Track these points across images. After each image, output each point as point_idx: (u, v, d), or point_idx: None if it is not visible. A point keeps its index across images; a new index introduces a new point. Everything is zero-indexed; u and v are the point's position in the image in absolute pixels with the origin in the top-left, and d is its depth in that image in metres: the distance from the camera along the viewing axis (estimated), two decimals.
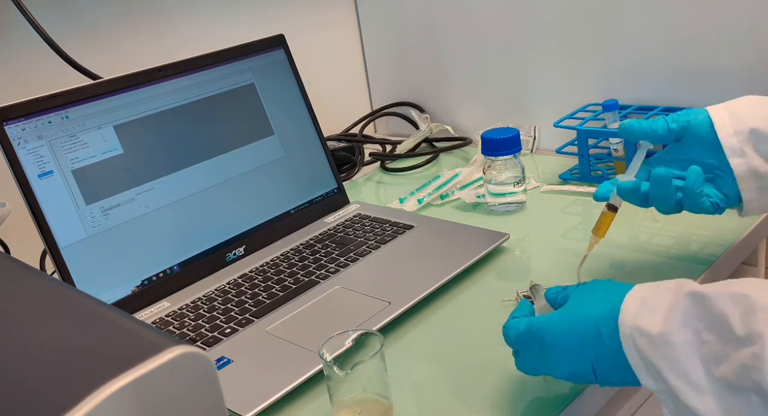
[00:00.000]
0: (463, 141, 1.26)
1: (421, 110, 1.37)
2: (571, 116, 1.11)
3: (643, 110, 1.07)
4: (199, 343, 0.75)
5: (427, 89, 1.37)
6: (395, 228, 0.94)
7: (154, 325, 0.79)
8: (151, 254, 0.84)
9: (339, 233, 0.95)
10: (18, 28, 0.97)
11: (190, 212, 0.88)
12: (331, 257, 0.89)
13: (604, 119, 1.06)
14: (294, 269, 0.87)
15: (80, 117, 0.81)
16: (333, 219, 1.00)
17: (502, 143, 0.96)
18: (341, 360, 0.62)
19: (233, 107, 0.95)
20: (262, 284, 0.84)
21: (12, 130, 0.77)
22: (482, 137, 0.97)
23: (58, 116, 0.80)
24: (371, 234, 0.93)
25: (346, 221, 0.99)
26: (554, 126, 1.08)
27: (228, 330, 0.76)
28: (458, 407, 0.63)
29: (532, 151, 1.22)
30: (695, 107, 1.02)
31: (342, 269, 0.85)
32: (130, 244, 0.83)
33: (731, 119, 0.67)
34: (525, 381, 0.64)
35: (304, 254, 0.91)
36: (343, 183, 1.07)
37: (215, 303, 0.82)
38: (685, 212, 0.69)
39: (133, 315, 0.79)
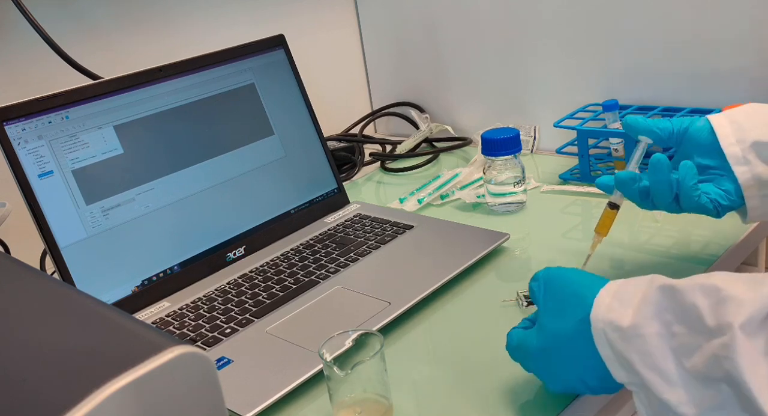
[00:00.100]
0: (463, 141, 1.26)
1: (421, 110, 1.37)
2: (571, 116, 1.11)
3: (643, 110, 1.07)
4: (199, 343, 0.75)
5: (427, 89, 1.37)
6: (395, 228, 0.94)
7: (154, 325, 0.79)
8: (151, 254, 0.84)
9: (339, 233, 0.95)
10: (18, 28, 0.97)
11: (190, 212, 0.88)
12: (331, 257, 0.89)
13: (604, 119, 1.06)
14: (294, 269, 0.87)
15: (80, 117, 0.81)
16: (333, 219, 1.00)
17: (502, 143, 0.96)
18: (341, 360, 0.62)
19: (233, 107, 0.95)
20: (262, 285, 0.84)
21: (12, 130, 0.77)
22: (482, 137, 0.97)
23: (58, 116, 0.80)
24: (371, 234, 0.93)
25: (346, 221, 0.99)
26: (554, 126, 1.08)
27: (228, 330, 0.76)
28: (458, 407, 0.63)
29: (532, 151, 1.22)
30: (695, 107, 1.04)
31: (342, 269, 0.85)
32: (130, 244, 0.83)
33: (733, 128, 0.67)
34: (525, 381, 0.64)
35: (304, 254, 0.91)
36: (343, 183, 1.07)
37: (215, 303, 0.82)
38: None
39: (133, 314, 0.79)
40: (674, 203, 0.68)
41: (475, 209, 1.02)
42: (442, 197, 1.06)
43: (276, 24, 1.26)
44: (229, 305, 0.81)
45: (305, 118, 1.02)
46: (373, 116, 1.43)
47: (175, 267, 0.86)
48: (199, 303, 0.82)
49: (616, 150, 1.04)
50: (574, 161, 1.09)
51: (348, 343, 0.63)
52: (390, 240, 0.91)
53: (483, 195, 1.02)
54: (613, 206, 0.74)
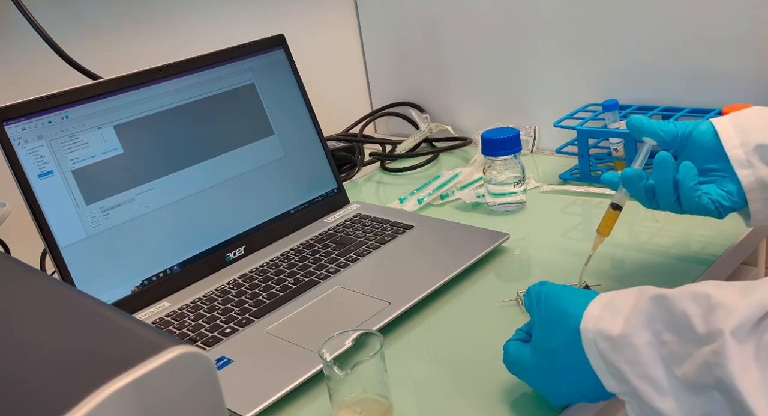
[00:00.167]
0: (463, 141, 1.26)
1: (421, 110, 1.37)
2: (571, 116, 1.11)
3: (643, 110, 1.07)
4: (199, 343, 0.75)
5: (427, 89, 1.37)
6: (395, 228, 0.94)
7: (154, 325, 0.79)
8: (151, 254, 0.84)
9: (339, 233, 0.95)
10: (18, 28, 0.97)
11: (190, 212, 0.88)
12: (331, 257, 0.89)
13: (604, 119, 1.06)
14: (294, 269, 0.87)
15: (80, 117, 0.81)
16: (333, 219, 1.00)
17: (502, 143, 0.96)
18: (341, 360, 0.62)
19: (233, 107, 0.95)
20: (262, 284, 0.84)
21: (12, 130, 0.77)
22: (482, 137, 0.97)
23: (58, 116, 0.80)
24: (371, 234, 0.93)
25: (346, 221, 0.99)
26: (554, 126, 1.08)
27: (228, 330, 0.76)
28: (458, 407, 0.63)
29: (532, 151, 1.22)
30: (695, 107, 1.04)
31: (342, 269, 0.85)
32: (130, 244, 0.83)
33: (736, 131, 0.67)
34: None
35: (304, 254, 0.91)
36: (343, 183, 1.07)
37: (215, 303, 0.82)
38: None
39: (133, 314, 0.79)
40: (676, 203, 0.68)
41: (475, 209, 1.02)
42: (442, 197, 1.06)
43: (276, 24, 1.26)
44: (229, 305, 0.81)
45: (305, 118, 1.02)
46: (373, 116, 1.43)
47: (175, 267, 0.86)
48: (199, 303, 0.82)
49: (616, 150, 1.04)
50: (574, 161, 1.09)
51: (348, 343, 0.63)
52: (390, 240, 0.91)
53: (483, 195, 1.02)
54: (616, 207, 0.73)
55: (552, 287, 0.59)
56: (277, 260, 0.90)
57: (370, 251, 0.89)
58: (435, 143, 1.31)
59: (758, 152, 0.66)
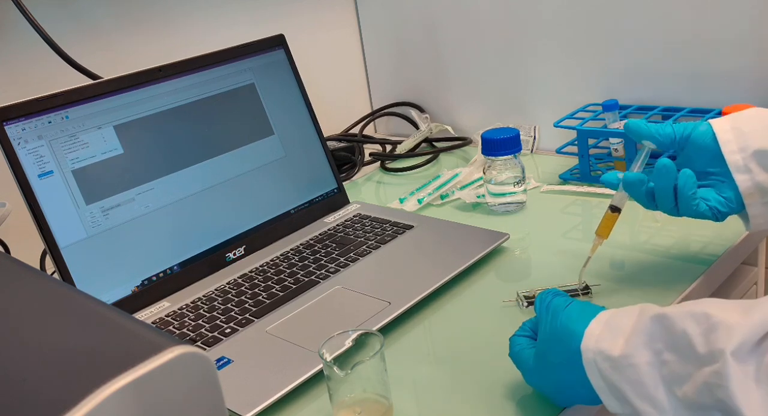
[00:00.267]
0: (463, 141, 1.26)
1: (421, 110, 1.37)
2: (571, 116, 1.11)
3: (643, 110, 1.07)
4: (199, 343, 0.75)
5: (427, 89, 1.37)
6: (395, 228, 0.94)
7: (154, 325, 0.79)
8: (151, 254, 0.84)
9: (339, 233, 0.95)
10: (18, 28, 0.97)
11: (190, 212, 0.88)
12: (331, 257, 0.89)
13: (604, 119, 1.06)
14: (294, 269, 0.87)
15: (80, 117, 0.81)
16: (333, 219, 1.00)
17: (502, 143, 0.96)
18: (341, 360, 0.62)
19: (233, 107, 0.95)
20: (262, 284, 0.84)
21: (12, 130, 0.77)
22: (482, 137, 0.97)
23: (58, 116, 0.80)
24: (371, 234, 0.93)
25: (346, 221, 0.99)
26: (554, 126, 1.08)
27: (228, 330, 0.76)
28: (458, 407, 0.63)
29: (532, 151, 1.22)
30: (695, 108, 1.04)
31: (342, 269, 0.85)
32: (130, 244, 0.83)
33: (735, 135, 0.67)
34: (524, 381, 0.64)
35: (304, 254, 0.91)
36: (343, 183, 1.07)
37: (215, 303, 0.82)
38: None
39: (133, 314, 0.79)
40: (675, 209, 0.69)
41: (475, 209, 1.02)
42: (442, 197, 1.06)
43: (276, 24, 1.26)
44: (229, 305, 0.81)
45: (305, 118, 1.02)
46: (373, 116, 1.43)
47: (175, 267, 0.86)
48: (199, 303, 0.82)
49: (616, 150, 1.04)
50: (574, 161, 1.09)
51: (348, 343, 0.63)
52: (390, 240, 0.91)
53: (483, 195, 1.02)
54: (615, 210, 0.73)
55: (561, 303, 0.59)
56: (277, 260, 0.90)
57: (370, 251, 0.89)
58: (435, 143, 1.31)
59: (756, 157, 0.66)
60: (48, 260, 0.87)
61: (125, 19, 1.09)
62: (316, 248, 0.92)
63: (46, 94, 0.79)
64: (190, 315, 0.80)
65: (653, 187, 0.69)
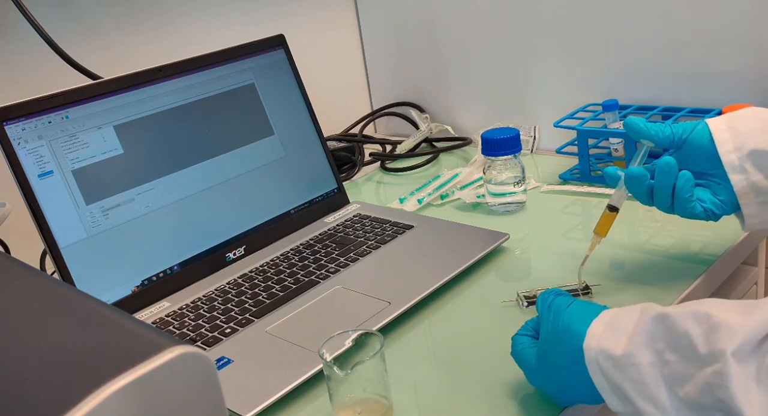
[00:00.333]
0: (463, 141, 1.26)
1: (421, 110, 1.37)
2: (571, 116, 1.11)
3: (643, 110, 1.07)
4: (199, 343, 0.75)
5: (427, 89, 1.37)
6: (395, 228, 0.94)
7: (154, 325, 0.79)
8: (151, 254, 0.84)
9: (339, 233, 0.95)
10: (18, 28, 0.97)
11: (190, 212, 0.88)
12: (331, 257, 0.89)
13: (604, 119, 1.06)
14: (294, 269, 0.87)
15: (80, 117, 0.81)
16: (333, 219, 1.00)
17: (502, 143, 0.96)
18: (341, 360, 0.62)
19: (233, 107, 0.95)
20: (262, 284, 0.84)
21: (12, 130, 0.77)
22: (482, 137, 0.97)
23: (58, 116, 0.80)
24: (371, 234, 0.93)
25: (346, 221, 0.99)
26: (554, 126, 1.08)
27: (228, 330, 0.76)
28: (458, 407, 0.63)
29: (532, 151, 1.22)
30: (695, 108, 1.04)
31: (342, 269, 0.85)
32: (130, 244, 0.83)
33: (731, 134, 0.67)
34: (525, 381, 0.64)
35: (304, 254, 0.91)
36: (343, 183, 1.07)
37: (215, 303, 0.82)
38: None
39: (133, 314, 0.79)
40: (671, 207, 0.69)
41: (475, 209, 1.02)
42: (442, 197, 1.06)
43: (276, 24, 1.26)
44: (229, 305, 0.81)
45: (305, 118, 1.02)
46: (373, 116, 1.43)
47: (175, 267, 0.86)
48: (199, 303, 0.82)
49: (616, 150, 1.04)
50: (574, 161, 1.09)
51: (348, 343, 0.63)
52: (390, 240, 0.91)
53: (483, 195, 1.02)
54: (613, 209, 0.73)
55: (563, 302, 0.59)
56: (277, 260, 0.90)
57: (370, 251, 0.89)
58: (435, 143, 1.31)
59: (752, 157, 0.66)
60: (48, 260, 0.87)
61: (125, 19, 1.09)
62: (316, 248, 0.92)
63: (46, 94, 0.79)
64: (190, 315, 0.80)
65: (653, 184, 0.69)
